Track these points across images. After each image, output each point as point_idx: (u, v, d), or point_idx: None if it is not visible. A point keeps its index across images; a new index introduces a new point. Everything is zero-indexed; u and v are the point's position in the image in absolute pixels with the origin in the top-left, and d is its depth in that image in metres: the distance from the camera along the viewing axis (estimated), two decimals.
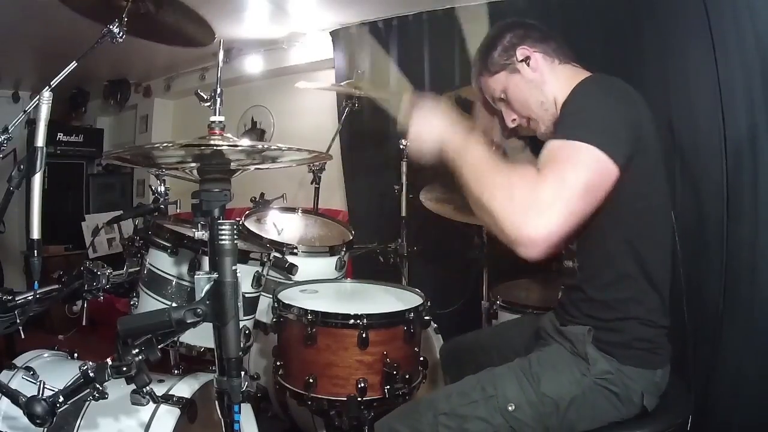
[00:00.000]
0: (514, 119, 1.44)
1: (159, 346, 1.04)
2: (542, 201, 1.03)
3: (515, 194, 1.06)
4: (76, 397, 1.05)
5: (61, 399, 1.04)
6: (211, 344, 1.05)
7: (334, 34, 3.32)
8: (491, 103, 1.49)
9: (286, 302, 1.55)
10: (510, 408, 1.21)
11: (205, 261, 1.32)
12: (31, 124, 1.33)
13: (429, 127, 1.25)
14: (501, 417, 1.21)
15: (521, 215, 1.03)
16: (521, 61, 1.35)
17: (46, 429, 1.27)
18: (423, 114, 1.27)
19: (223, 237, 1.01)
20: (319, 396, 1.46)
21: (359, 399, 1.43)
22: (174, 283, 1.51)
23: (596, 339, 1.24)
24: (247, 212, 2.10)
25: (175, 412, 1.28)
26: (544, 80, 1.35)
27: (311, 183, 2.71)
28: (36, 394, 1.05)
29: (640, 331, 1.24)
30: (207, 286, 1.01)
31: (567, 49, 1.39)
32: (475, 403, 1.24)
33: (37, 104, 1.30)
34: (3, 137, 1.38)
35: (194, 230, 1.11)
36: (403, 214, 2.49)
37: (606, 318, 1.25)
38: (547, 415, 1.21)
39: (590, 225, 1.26)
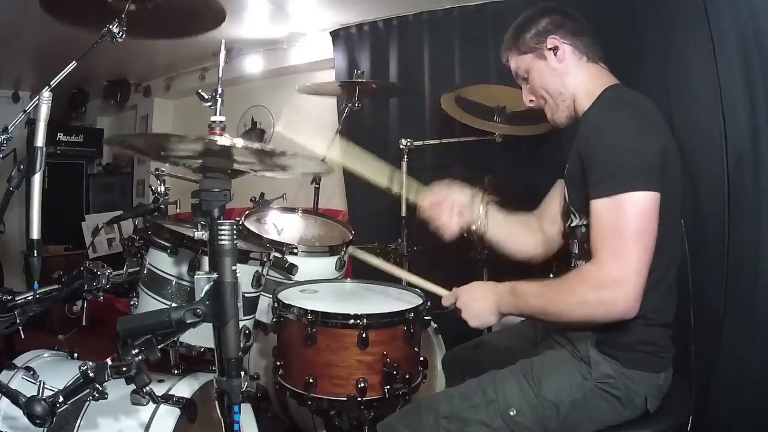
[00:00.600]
0: (532, 100, 1.47)
1: (159, 346, 1.04)
2: (610, 283, 1.11)
3: (583, 296, 1.14)
4: (76, 397, 1.05)
5: (61, 399, 1.04)
6: (211, 344, 1.05)
7: (334, 34, 3.32)
8: (514, 78, 1.51)
9: (286, 302, 1.54)
10: (512, 413, 1.21)
11: (205, 261, 1.32)
12: (31, 124, 1.33)
13: (482, 307, 1.33)
14: (502, 421, 1.22)
15: (601, 306, 1.12)
16: (550, 49, 1.37)
17: (46, 429, 1.27)
18: (470, 301, 1.35)
19: (223, 237, 1.01)
20: (319, 396, 1.46)
21: (359, 399, 1.43)
22: (174, 283, 1.51)
23: (599, 342, 1.24)
24: (247, 212, 2.10)
25: (175, 412, 1.28)
26: (567, 72, 1.37)
27: (311, 183, 2.71)
28: (36, 394, 1.05)
29: (644, 334, 1.23)
30: (207, 286, 1.01)
31: (598, 47, 1.40)
32: (477, 407, 1.24)
33: (37, 104, 1.30)
34: (3, 137, 1.38)
35: (194, 230, 1.11)
36: (403, 214, 2.49)
37: None
38: (548, 419, 1.21)
39: None
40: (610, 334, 1.23)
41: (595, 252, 1.14)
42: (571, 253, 1.41)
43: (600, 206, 1.15)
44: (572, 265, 1.40)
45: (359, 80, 2.47)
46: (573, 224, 1.36)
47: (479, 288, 1.37)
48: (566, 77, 1.37)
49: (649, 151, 1.16)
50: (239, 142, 0.99)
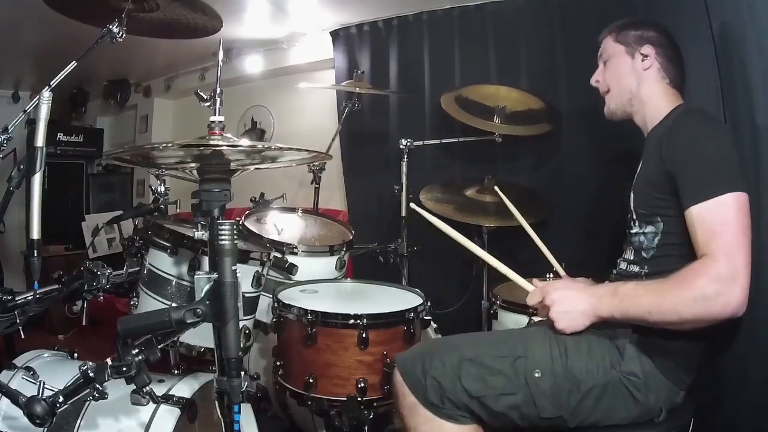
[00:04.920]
0: (598, 81, 1.54)
1: (159, 346, 1.04)
2: (727, 276, 1.12)
3: (702, 289, 1.12)
4: (76, 397, 1.05)
5: (61, 399, 1.04)
6: (211, 344, 1.05)
7: (334, 34, 3.32)
8: (598, 58, 1.56)
9: (286, 302, 1.55)
10: (537, 374, 1.22)
11: (205, 261, 1.32)
12: (31, 124, 1.33)
13: (576, 308, 1.26)
14: (524, 379, 1.22)
15: (719, 300, 1.12)
16: (642, 53, 1.44)
17: (46, 429, 1.27)
18: (562, 299, 1.28)
19: (223, 237, 1.01)
20: (319, 396, 1.46)
21: (359, 399, 1.44)
22: (174, 283, 1.51)
23: (639, 341, 1.25)
24: (247, 212, 2.11)
25: (175, 412, 1.28)
26: (644, 81, 1.44)
27: (311, 183, 2.71)
28: (36, 394, 1.05)
29: (679, 345, 1.24)
30: (207, 286, 1.01)
31: (682, 79, 1.47)
32: (504, 358, 1.24)
33: (37, 104, 1.30)
34: (3, 137, 1.38)
35: (194, 230, 1.12)
36: (403, 214, 2.49)
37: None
38: (566, 392, 1.21)
39: (669, 242, 1.31)
40: (650, 336, 1.24)
41: (706, 249, 1.16)
42: (623, 257, 1.43)
43: (704, 208, 1.18)
44: (624, 267, 1.41)
45: None
46: (633, 231, 1.38)
47: (573, 287, 1.31)
48: (642, 84, 1.44)
49: (734, 156, 1.24)
50: (224, 144, 1.00)
